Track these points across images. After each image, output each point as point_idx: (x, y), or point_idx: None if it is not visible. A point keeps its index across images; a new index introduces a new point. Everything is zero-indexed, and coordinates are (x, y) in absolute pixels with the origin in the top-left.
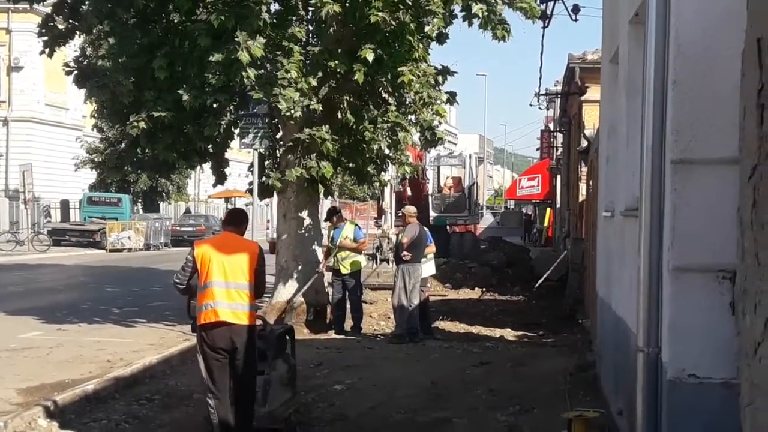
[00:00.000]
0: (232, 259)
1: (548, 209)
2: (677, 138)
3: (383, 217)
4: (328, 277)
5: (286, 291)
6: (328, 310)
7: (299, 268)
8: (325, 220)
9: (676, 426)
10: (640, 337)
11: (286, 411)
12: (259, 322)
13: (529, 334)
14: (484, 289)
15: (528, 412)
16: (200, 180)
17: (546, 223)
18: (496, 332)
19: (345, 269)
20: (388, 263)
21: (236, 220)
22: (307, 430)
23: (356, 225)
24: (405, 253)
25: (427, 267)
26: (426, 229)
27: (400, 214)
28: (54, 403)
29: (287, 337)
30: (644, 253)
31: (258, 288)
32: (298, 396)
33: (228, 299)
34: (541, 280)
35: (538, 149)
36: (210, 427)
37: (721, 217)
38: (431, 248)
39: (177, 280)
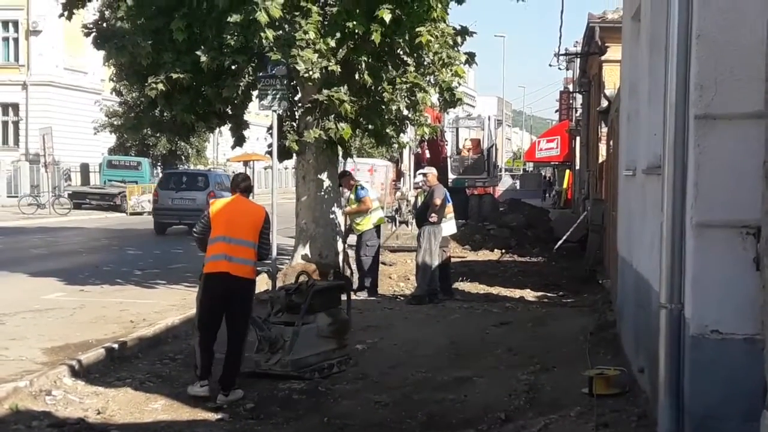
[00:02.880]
0: (240, 219)
1: (567, 171)
2: (701, 93)
3: (402, 179)
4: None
5: (306, 253)
6: (348, 272)
7: (319, 230)
8: (338, 186)
9: (698, 382)
10: (662, 294)
11: (323, 360)
12: (303, 277)
13: (549, 294)
14: (503, 251)
15: (548, 370)
16: (219, 143)
17: (565, 185)
18: (516, 293)
19: (357, 229)
20: (407, 225)
21: (244, 184)
22: (330, 389)
23: (358, 186)
24: (434, 214)
25: (448, 227)
26: (445, 189)
27: (419, 176)
28: (78, 362)
29: (339, 293)
30: (667, 209)
31: (261, 249)
32: (346, 349)
33: (231, 253)
34: (560, 242)
35: (557, 111)
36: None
37: (744, 172)
38: (449, 208)
39: (195, 231)
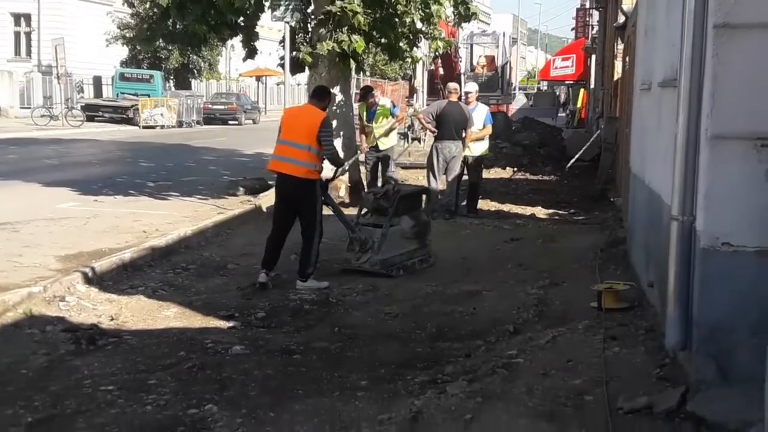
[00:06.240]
0: (297, 123)
1: (582, 90)
2: (720, 2)
3: (415, 95)
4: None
5: None
6: (365, 186)
7: None
8: (359, 100)
9: (708, 294)
10: (674, 206)
11: (407, 259)
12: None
13: (560, 212)
14: (515, 169)
15: (557, 285)
16: (231, 58)
17: (579, 104)
18: (527, 210)
19: (383, 145)
20: (419, 142)
21: (316, 94)
22: (341, 300)
23: (390, 102)
24: (431, 128)
25: (475, 145)
26: (464, 106)
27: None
28: (92, 269)
29: (421, 197)
30: (682, 121)
31: (326, 151)
32: (428, 248)
33: (284, 154)
34: (573, 160)
35: (573, 29)
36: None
37: (763, 84)
38: (471, 131)
39: None
